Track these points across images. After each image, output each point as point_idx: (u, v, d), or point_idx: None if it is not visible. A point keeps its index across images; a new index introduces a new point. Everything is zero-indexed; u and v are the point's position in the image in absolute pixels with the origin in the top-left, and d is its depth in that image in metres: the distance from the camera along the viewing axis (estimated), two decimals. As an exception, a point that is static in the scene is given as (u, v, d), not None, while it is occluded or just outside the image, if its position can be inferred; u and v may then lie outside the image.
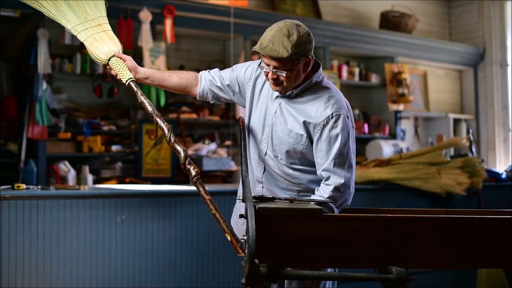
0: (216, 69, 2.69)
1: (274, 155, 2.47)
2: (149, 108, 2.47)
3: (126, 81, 2.54)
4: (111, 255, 3.63)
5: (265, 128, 2.49)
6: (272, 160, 2.49)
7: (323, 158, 2.38)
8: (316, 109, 2.39)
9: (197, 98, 2.69)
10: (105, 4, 2.66)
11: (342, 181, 2.35)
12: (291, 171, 2.47)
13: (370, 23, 7.36)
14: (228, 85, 2.62)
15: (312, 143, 2.41)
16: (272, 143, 2.47)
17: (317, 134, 2.38)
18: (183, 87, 2.66)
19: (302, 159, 2.44)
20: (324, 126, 2.36)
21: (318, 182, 2.47)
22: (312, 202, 2.30)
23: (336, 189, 2.34)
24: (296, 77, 2.37)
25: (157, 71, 2.70)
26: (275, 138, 2.46)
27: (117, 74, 2.57)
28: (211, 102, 2.73)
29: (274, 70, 2.33)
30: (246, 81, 2.58)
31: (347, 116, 2.40)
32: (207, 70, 2.70)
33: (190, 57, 6.03)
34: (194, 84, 2.66)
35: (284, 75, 2.33)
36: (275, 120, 2.46)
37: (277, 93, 2.47)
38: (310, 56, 2.36)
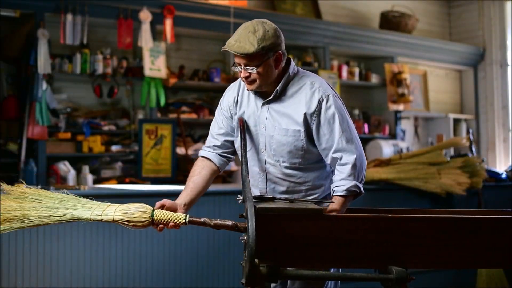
0: (208, 137, 2.64)
1: (275, 160, 2.48)
2: (229, 223, 2.19)
3: (186, 220, 2.23)
4: (111, 255, 3.63)
5: (259, 137, 2.50)
6: (273, 166, 2.49)
7: (329, 141, 2.41)
8: (304, 98, 2.42)
9: (221, 172, 2.60)
10: None
11: (355, 155, 2.39)
12: (294, 172, 2.48)
13: (370, 23, 7.36)
14: (227, 129, 2.59)
15: (308, 135, 2.43)
16: (271, 149, 2.47)
17: (315, 120, 2.41)
18: (209, 176, 2.53)
19: (305, 156, 2.45)
20: (319, 110, 2.40)
21: (323, 177, 2.51)
22: (312, 202, 2.30)
23: (353, 166, 2.38)
24: (268, 73, 2.38)
25: (186, 190, 2.47)
26: (273, 143, 2.46)
27: (168, 223, 2.25)
28: (235, 156, 2.66)
29: (245, 68, 2.36)
30: (230, 108, 2.57)
31: (335, 95, 2.45)
32: (203, 146, 2.64)
33: (190, 57, 6.03)
34: (209, 165, 2.55)
35: (255, 71, 2.36)
36: (268, 125, 2.47)
37: (262, 100, 2.48)
38: (280, 51, 2.38)
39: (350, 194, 2.38)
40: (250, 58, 2.33)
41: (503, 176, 5.59)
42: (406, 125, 7.52)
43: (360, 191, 2.40)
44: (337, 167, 2.42)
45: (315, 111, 2.40)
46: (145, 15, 5.23)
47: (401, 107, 6.97)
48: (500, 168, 7.41)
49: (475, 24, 7.98)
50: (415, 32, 7.43)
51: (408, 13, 7.17)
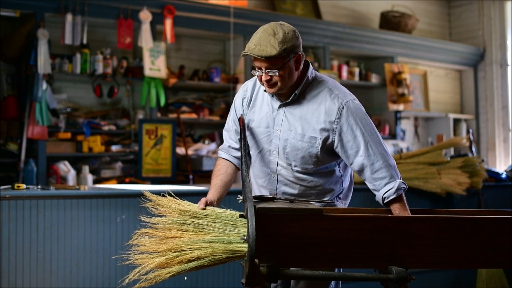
0: (224, 137, 2.65)
1: (287, 163, 2.47)
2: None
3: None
4: (111, 255, 3.62)
5: (273, 139, 2.48)
6: (285, 169, 2.48)
7: (353, 148, 2.40)
8: (324, 105, 2.41)
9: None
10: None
11: (385, 156, 2.40)
12: (305, 176, 2.47)
13: (370, 23, 7.36)
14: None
15: (324, 143, 2.41)
16: (284, 152, 2.46)
17: (337, 128, 2.40)
18: (233, 175, 2.57)
19: (318, 162, 2.45)
20: (339, 118, 2.39)
21: (333, 182, 2.51)
22: (312, 202, 2.30)
23: (388, 166, 2.39)
24: (289, 75, 2.36)
25: (216, 188, 2.48)
26: (287, 147, 2.45)
27: None
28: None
29: (266, 71, 2.34)
30: (243, 106, 2.58)
31: (354, 99, 2.45)
32: (221, 146, 2.65)
33: (190, 57, 6.03)
34: (231, 165, 2.57)
35: (277, 74, 2.33)
36: (283, 128, 2.46)
37: (279, 102, 2.47)
38: (299, 53, 2.37)
39: (402, 193, 2.39)
40: (272, 61, 2.31)
41: (503, 176, 5.58)
42: (406, 125, 7.52)
43: (406, 185, 2.42)
44: (372, 175, 2.40)
45: (335, 118, 2.39)
46: (145, 15, 5.23)
47: (401, 107, 6.96)
48: (500, 168, 7.41)
49: (475, 24, 7.98)
50: (415, 32, 7.43)
51: (408, 13, 7.17)
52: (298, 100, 2.45)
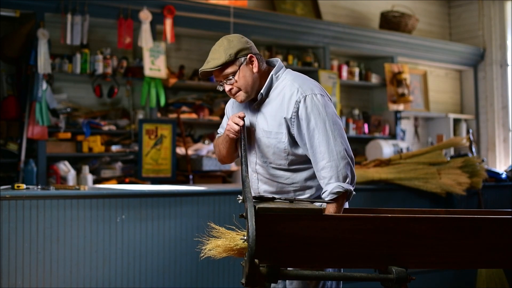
0: (220, 131, 2.77)
1: (263, 161, 2.52)
2: None
3: None
4: (111, 255, 3.63)
5: (252, 138, 2.54)
6: (262, 167, 2.53)
7: (307, 143, 2.40)
8: (285, 100, 2.43)
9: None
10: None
11: (333, 156, 2.35)
12: (281, 173, 2.49)
13: (370, 23, 7.36)
14: None
15: (291, 138, 2.44)
16: (259, 150, 2.51)
17: (295, 122, 2.41)
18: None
19: (288, 157, 2.47)
20: (297, 112, 2.40)
21: (312, 178, 2.49)
22: (312, 202, 2.30)
23: (332, 167, 2.35)
24: (246, 78, 2.44)
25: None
26: (260, 145, 2.50)
27: None
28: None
29: (225, 81, 2.44)
30: (232, 108, 2.70)
31: (315, 94, 2.41)
32: (218, 130, 2.81)
33: (190, 57, 6.03)
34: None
35: (233, 80, 2.42)
36: (256, 127, 2.51)
37: (253, 104, 2.53)
38: (251, 54, 2.45)
39: (337, 196, 2.34)
40: (224, 70, 2.42)
41: (503, 176, 5.58)
42: (406, 125, 7.52)
43: (345, 190, 2.34)
44: (318, 173, 2.39)
45: (293, 112, 2.41)
46: (145, 15, 5.23)
47: (401, 107, 6.97)
48: (500, 168, 7.41)
49: (475, 24, 7.98)
50: (415, 32, 7.43)
51: (408, 13, 7.17)
52: (265, 99, 2.50)
